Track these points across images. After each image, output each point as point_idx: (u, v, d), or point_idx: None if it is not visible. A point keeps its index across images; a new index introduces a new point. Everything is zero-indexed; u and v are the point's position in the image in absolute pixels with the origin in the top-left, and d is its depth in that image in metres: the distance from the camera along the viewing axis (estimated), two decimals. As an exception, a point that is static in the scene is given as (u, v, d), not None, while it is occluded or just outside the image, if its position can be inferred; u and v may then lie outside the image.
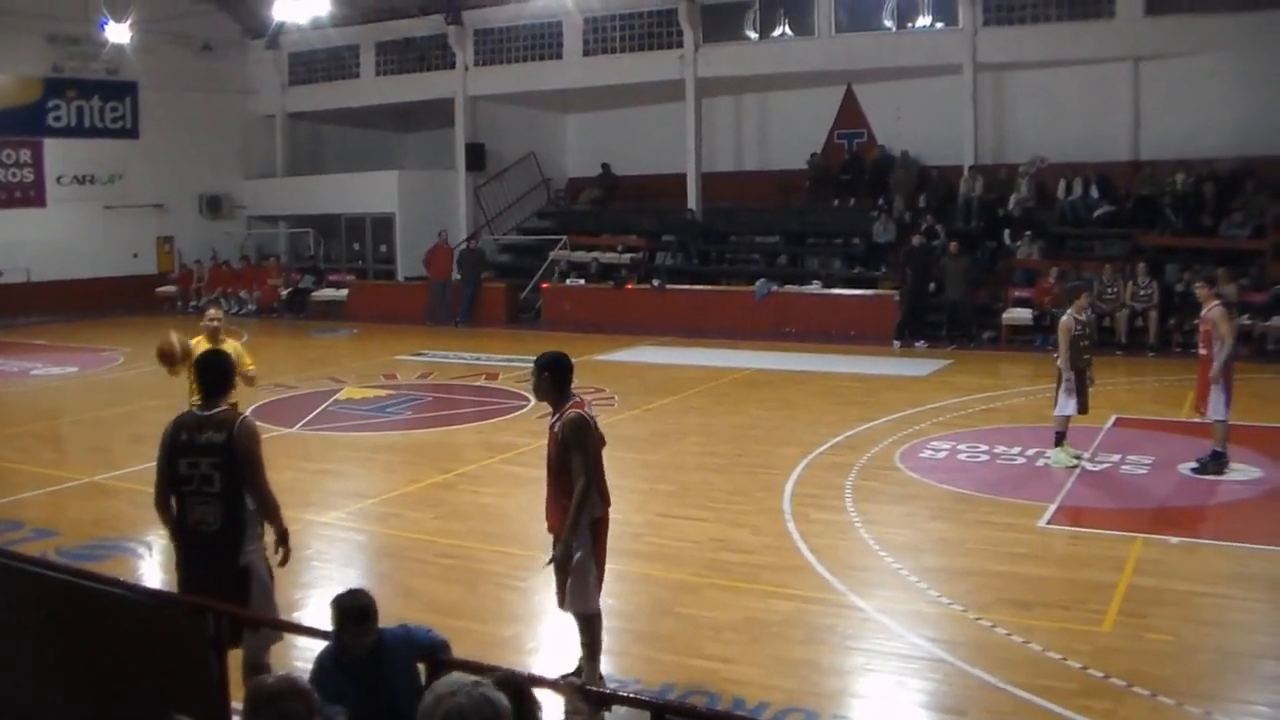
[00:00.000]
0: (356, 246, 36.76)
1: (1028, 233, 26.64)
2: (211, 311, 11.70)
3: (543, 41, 34.05)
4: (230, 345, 11.02)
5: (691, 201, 32.00)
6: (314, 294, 33.86)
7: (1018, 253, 26.56)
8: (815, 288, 26.85)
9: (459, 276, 31.08)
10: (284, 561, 7.17)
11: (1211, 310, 12.66)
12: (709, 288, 29.00)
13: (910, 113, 30.36)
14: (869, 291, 26.84)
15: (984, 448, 14.87)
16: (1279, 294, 22.62)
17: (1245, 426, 15.12)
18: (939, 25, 29.76)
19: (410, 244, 33.80)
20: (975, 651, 8.27)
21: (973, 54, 28.91)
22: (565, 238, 32.44)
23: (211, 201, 37.24)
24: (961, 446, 14.98)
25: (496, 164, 34.89)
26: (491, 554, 10.60)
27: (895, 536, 11.14)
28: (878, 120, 31.41)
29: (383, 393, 19.45)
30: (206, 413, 6.86)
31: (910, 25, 30.05)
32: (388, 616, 5.88)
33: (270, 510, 6.99)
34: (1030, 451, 14.58)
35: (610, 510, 7.89)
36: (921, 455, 14.47)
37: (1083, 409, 14.07)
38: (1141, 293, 23.89)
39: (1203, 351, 13.40)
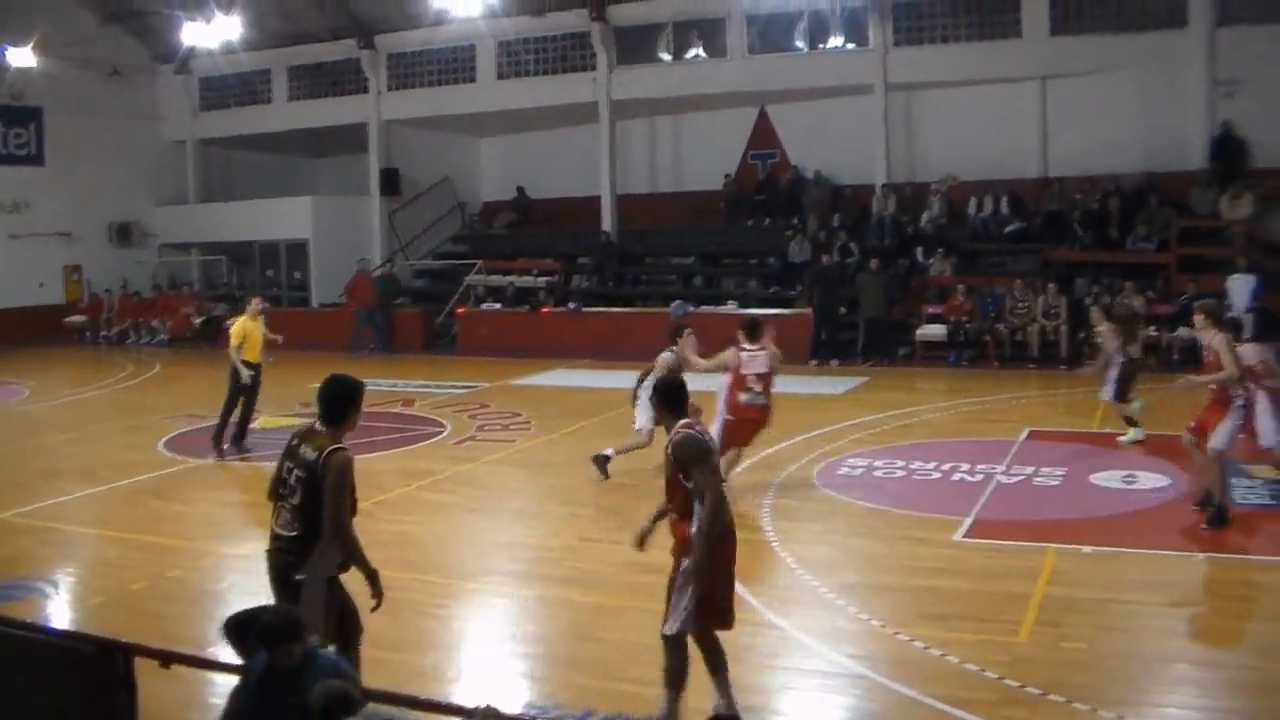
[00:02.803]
0: (270, 273, 36.47)
1: (940, 250, 27.02)
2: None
3: (456, 65, 34.10)
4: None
5: (607, 224, 32.12)
6: (227, 322, 33.29)
7: (930, 270, 26.88)
8: (731, 308, 26.95)
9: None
10: (375, 606, 7.12)
11: (1214, 340, 12.08)
12: (625, 310, 29.06)
13: (823, 133, 30.63)
14: (785, 311, 26.96)
15: (900, 464, 15.00)
16: (1184, 305, 22.98)
17: (1153, 436, 15.43)
18: (850, 46, 30.10)
19: (325, 270, 33.62)
20: (895, 666, 8.33)
21: (884, 74, 29.33)
22: (480, 262, 32.35)
23: (121, 229, 36.72)
24: (878, 463, 15.12)
25: (411, 189, 34.85)
26: (411, 582, 10.49)
27: (814, 554, 11.20)
28: (791, 140, 31.71)
29: (298, 421, 19.11)
30: (318, 429, 7.05)
31: (822, 46, 30.38)
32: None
33: (343, 542, 7.01)
34: (945, 466, 14.74)
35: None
36: (839, 472, 14.58)
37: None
38: (1052, 308, 24.21)
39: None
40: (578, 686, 8.25)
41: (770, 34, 30.78)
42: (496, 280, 31.60)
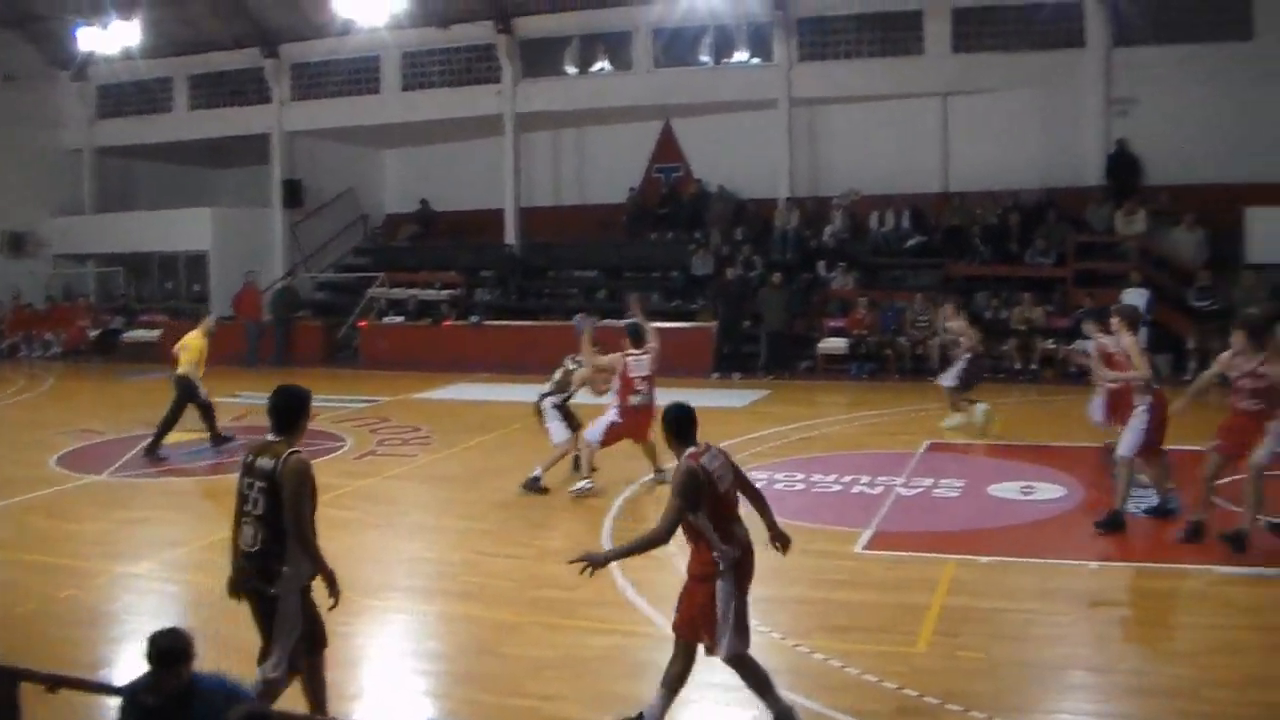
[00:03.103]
0: (169, 286, 35.95)
1: (842, 264, 27.28)
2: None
3: (361, 76, 33.90)
4: None
5: (510, 237, 32.09)
6: (124, 335, 32.94)
7: (832, 284, 27.10)
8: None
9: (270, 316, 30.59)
10: (333, 605, 7.18)
11: (1127, 341, 12.45)
12: (528, 323, 28.96)
13: (727, 147, 30.80)
14: (687, 324, 27.06)
15: (801, 476, 15.07)
16: (1081, 318, 23.31)
17: (1049, 447, 15.66)
18: (755, 61, 30.41)
19: (225, 283, 33.17)
20: (795, 678, 8.33)
21: (788, 89, 29.59)
22: (383, 275, 32.14)
23: (14, 239, 35.89)
24: (779, 476, 15.16)
25: (314, 200, 34.52)
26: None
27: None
28: (695, 154, 31.85)
29: (196, 436, 19.01)
30: (272, 439, 7.10)
31: (727, 61, 30.68)
32: (202, 669, 5.75)
33: (304, 548, 7.01)
34: (846, 479, 14.84)
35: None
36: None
37: None
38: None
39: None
40: (478, 703, 8.21)
41: (675, 48, 30.93)
42: (399, 293, 31.39)
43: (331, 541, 8.43)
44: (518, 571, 11.18)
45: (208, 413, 17.97)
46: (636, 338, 14.93)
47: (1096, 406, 14.88)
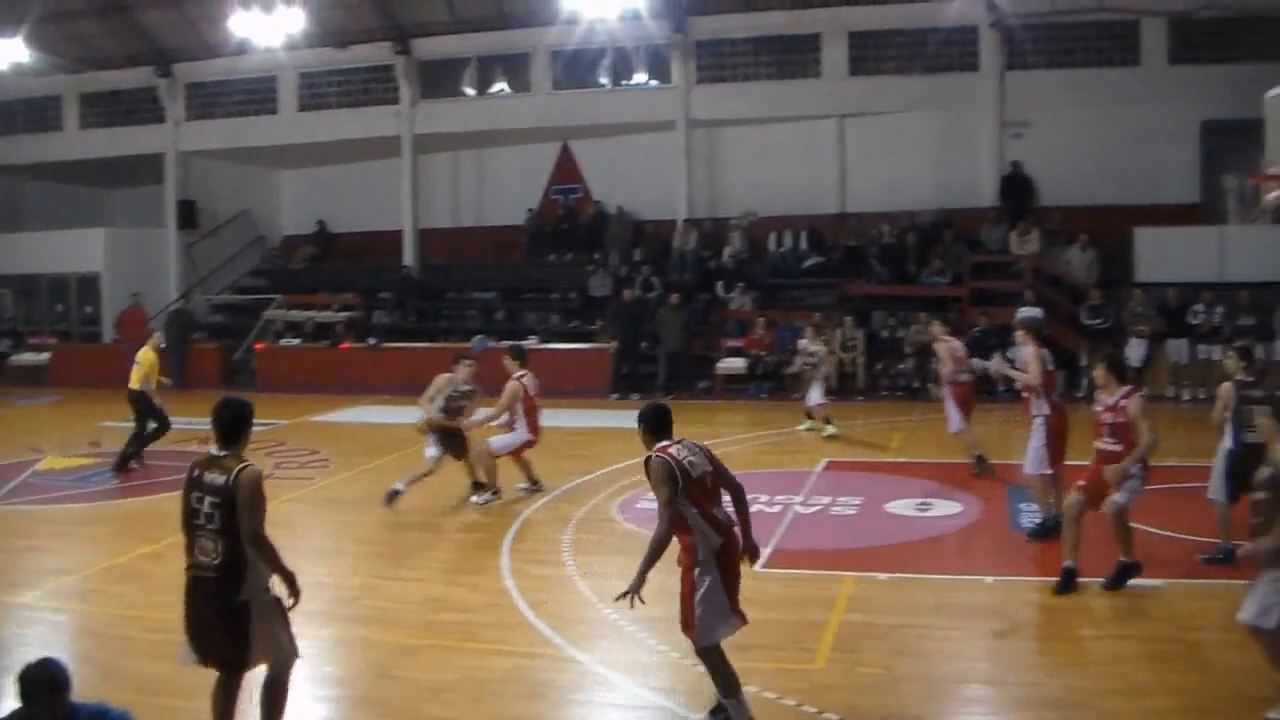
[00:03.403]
0: (59, 308, 35.25)
1: (740, 284, 27.43)
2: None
3: (257, 96, 33.59)
4: None
5: (408, 258, 31.93)
6: (12, 358, 32.25)
7: (731, 304, 27.24)
8: (533, 342, 26.91)
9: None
10: (293, 605, 7.33)
11: (1027, 351, 12.78)
12: (427, 345, 28.74)
13: (625, 168, 30.91)
14: (586, 345, 27.11)
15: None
16: (977, 337, 23.66)
17: (946, 464, 15.84)
18: (653, 83, 30.61)
19: (118, 305, 32.57)
20: (695, 697, 8.35)
21: (686, 111, 29.80)
22: (280, 296, 31.82)
23: (-103, 261, 34.97)
24: (679, 496, 15.17)
25: (209, 221, 34.08)
26: (203, 624, 10.23)
27: (614, 588, 11.06)
28: (594, 176, 31.91)
29: (87, 461, 18.67)
30: (218, 454, 7.21)
31: (625, 83, 30.82)
32: (89, 699, 5.64)
33: (266, 556, 7.14)
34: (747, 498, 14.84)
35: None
36: (639, 506, 14.60)
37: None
38: (849, 341, 24.68)
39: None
40: (377, 727, 8.12)
41: (574, 70, 31.06)
42: (296, 315, 31.11)
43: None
44: (416, 594, 11.11)
45: (141, 437, 18.14)
46: (523, 357, 15.35)
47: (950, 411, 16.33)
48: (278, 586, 7.29)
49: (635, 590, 7.65)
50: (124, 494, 16.56)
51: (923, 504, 14.44)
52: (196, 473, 7.24)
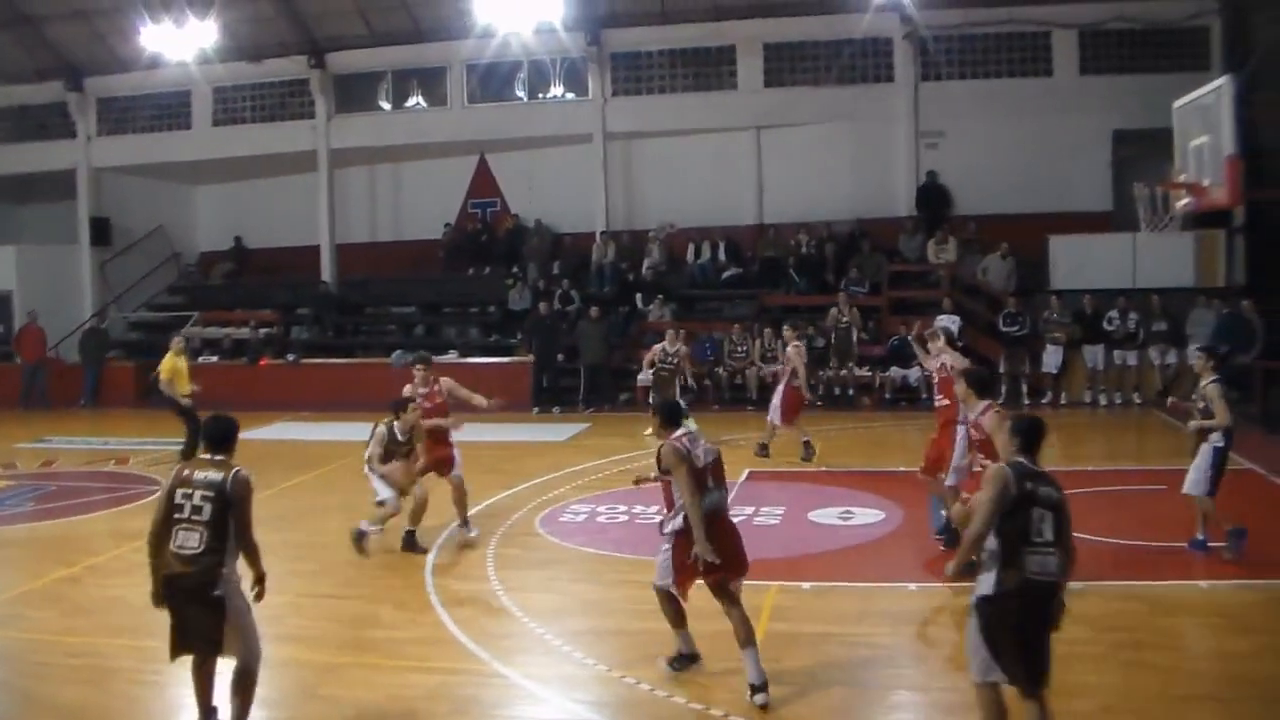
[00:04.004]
0: (-30, 327, 34.63)
1: (659, 296, 27.47)
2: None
3: (170, 111, 33.24)
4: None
5: (326, 273, 31.71)
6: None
7: (650, 316, 27.27)
8: (452, 357, 26.83)
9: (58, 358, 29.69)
10: (257, 599, 7.95)
11: (949, 357, 13.04)
12: (346, 361, 28.66)
13: (543, 181, 30.92)
14: (506, 359, 27.05)
15: (623, 508, 15.12)
16: (896, 346, 23.92)
17: (868, 472, 15.96)
18: (570, 96, 30.64)
19: (32, 323, 32.02)
20: (622, 709, 8.41)
21: (603, 124, 29.86)
22: (196, 314, 31.46)
23: None
24: (601, 508, 15.22)
25: (124, 238, 33.59)
26: (122, 649, 10.08)
27: (539, 602, 11.20)
28: (511, 189, 31.85)
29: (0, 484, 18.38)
30: (211, 457, 7.96)
31: (542, 96, 30.81)
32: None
33: (251, 553, 7.91)
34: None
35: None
36: (562, 519, 14.62)
37: None
38: (769, 351, 24.79)
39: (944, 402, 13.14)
40: (302, 748, 8.06)
41: (491, 83, 31.06)
42: (213, 332, 30.77)
43: (145, 589, 8.27)
44: (342, 612, 11.03)
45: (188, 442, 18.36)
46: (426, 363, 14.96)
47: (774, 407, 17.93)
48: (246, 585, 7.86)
49: (704, 551, 8.65)
50: (39, 517, 16.27)
51: (845, 513, 14.55)
52: (186, 472, 7.85)
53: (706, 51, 29.96)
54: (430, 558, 12.86)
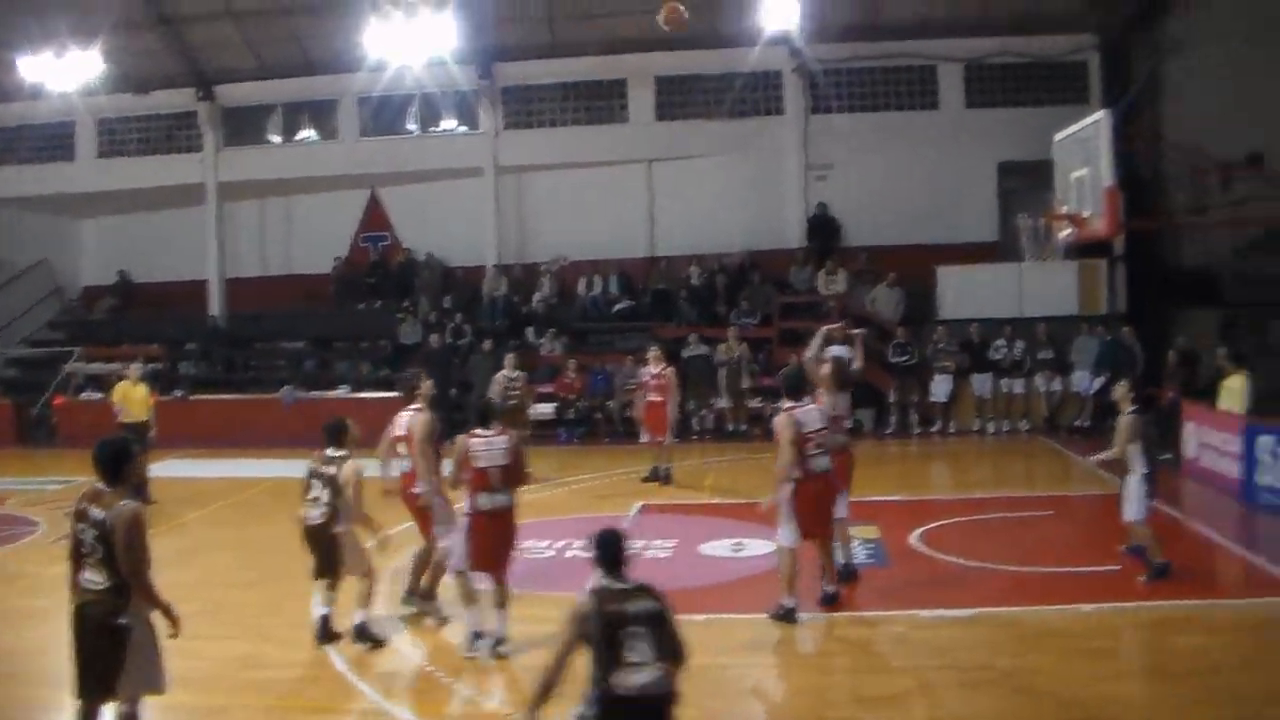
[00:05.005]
0: None
1: (551, 329, 27.41)
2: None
3: (54, 143, 32.64)
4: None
5: (214, 308, 31.30)
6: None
7: (541, 349, 27.22)
8: (343, 392, 26.60)
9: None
10: (173, 636, 7.86)
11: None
12: (235, 396, 28.24)
13: (434, 214, 30.77)
14: (398, 394, 26.78)
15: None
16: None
17: (759, 504, 16.01)
18: (461, 129, 30.60)
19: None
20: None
21: (494, 157, 29.91)
22: (79, 349, 30.86)
23: None
24: (492, 544, 15.10)
25: (4, 272, 32.81)
26: (3, 697, 9.83)
27: (431, 638, 11.11)
28: (402, 222, 31.61)
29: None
30: (101, 489, 7.63)
31: (433, 129, 30.72)
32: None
33: (139, 588, 7.61)
34: (560, 544, 14.88)
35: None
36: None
37: None
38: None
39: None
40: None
41: (382, 117, 30.91)
42: (97, 368, 30.15)
43: (26, 633, 8.13)
44: (230, 653, 10.84)
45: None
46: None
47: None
48: (157, 619, 7.77)
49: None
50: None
51: (737, 545, 14.60)
52: (83, 505, 7.60)
53: (598, 85, 30.14)
54: (320, 596, 12.66)
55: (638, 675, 6.51)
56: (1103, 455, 12.95)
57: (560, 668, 6.65)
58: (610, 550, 7.01)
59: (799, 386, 11.79)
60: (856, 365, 14.26)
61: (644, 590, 6.85)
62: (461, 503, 10.84)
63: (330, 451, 11.16)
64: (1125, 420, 12.69)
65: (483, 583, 10.81)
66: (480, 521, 10.60)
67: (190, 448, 25.04)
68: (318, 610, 11.10)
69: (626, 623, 6.60)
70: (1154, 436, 13.11)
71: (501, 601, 10.73)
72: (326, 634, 10.99)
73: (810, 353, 13.66)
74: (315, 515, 10.96)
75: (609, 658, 6.51)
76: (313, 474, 11.12)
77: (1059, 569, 13.12)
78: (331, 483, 10.94)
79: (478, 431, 10.71)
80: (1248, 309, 24.86)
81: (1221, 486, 17.81)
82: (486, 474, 10.54)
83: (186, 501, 19.18)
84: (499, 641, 10.56)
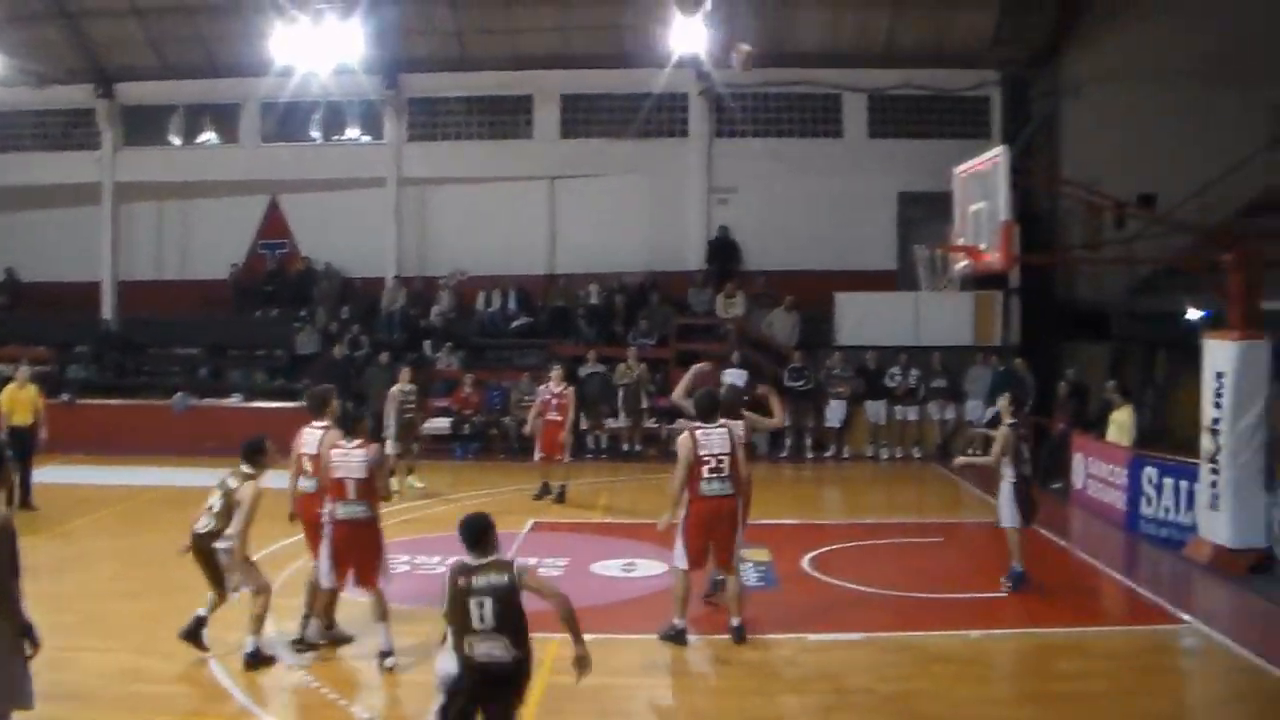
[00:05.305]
0: None
1: (449, 344, 27.31)
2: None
3: (-58, 137, 31.86)
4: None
5: (107, 311, 30.76)
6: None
7: (438, 363, 27.09)
8: (236, 400, 26.26)
9: None
10: (31, 655, 7.65)
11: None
12: (125, 401, 27.69)
13: (335, 224, 30.45)
14: (292, 404, 26.49)
15: (405, 558, 14.94)
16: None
17: (652, 524, 16.03)
18: (365, 139, 30.42)
19: None
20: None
21: (397, 168, 29.78)
22: (-41, 349, 30.15)
23: None
24: (383, 558, 15.00)
25: (-112, 268, 32.10)
26: None
27: (310, 653, 10.99)
28: (302, 231, 31.20)
29: None
30: None
31: (337, 138, 30.51)
32: None
33: (6, 602, 7.42)
34: (450, 560, 14.73)
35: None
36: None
37: None
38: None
39: None
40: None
41: (285, 123, 30.61)
42: (-20, 368, 29.53)
43: None
44: (109, 666, 10.63)
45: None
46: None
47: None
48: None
49: None
50: None
51: (628, 564, 14.63)
52: None
53: (504, 100, 30.09)
54: (203, 609, 12.47)
55: (483, 643, 7.54)
56: (974, 460, 13.49)
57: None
58: (468, 531, 8.04)
59: (709, 408, 11.80)
60: (775, 421, 14.28)
61: (496, 565, 7.81)
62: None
63: (244, 468, 11.02)
64: (1002, 431, 13.60)
65: (360, 595, 11.03)
66: (338, 531, 10.85)
67: (77, 453, 24.55)
68: (197, 610, 10.97)
69: (472, 594, 7.59)
70: (1026, 451, 13.86)
71: (381, 615, 10.81)
72: (192, 633, 10.84)
73: (678, 393, 13.76)
74: (202, 524, 10.85)
75: (460, 625, 7.57)
76: (220, 483, 11.08)
77: (947, 595, 13.36)
78: (228, 496, 10.83)
79: (339, 442, 10.91)
80: (1137, 344, 25.47)
81: (1107, 516, 18.27)
82: (343, 484, 10.76)
83: (71, 508, 18.81)
84: (385, 655, 10.60)
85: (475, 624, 7.54)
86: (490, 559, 7.85)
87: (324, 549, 10.94)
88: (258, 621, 10.75)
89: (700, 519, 11.59)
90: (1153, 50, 26.14)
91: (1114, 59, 26.62)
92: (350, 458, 10.84)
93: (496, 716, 7.72)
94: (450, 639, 7.65)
